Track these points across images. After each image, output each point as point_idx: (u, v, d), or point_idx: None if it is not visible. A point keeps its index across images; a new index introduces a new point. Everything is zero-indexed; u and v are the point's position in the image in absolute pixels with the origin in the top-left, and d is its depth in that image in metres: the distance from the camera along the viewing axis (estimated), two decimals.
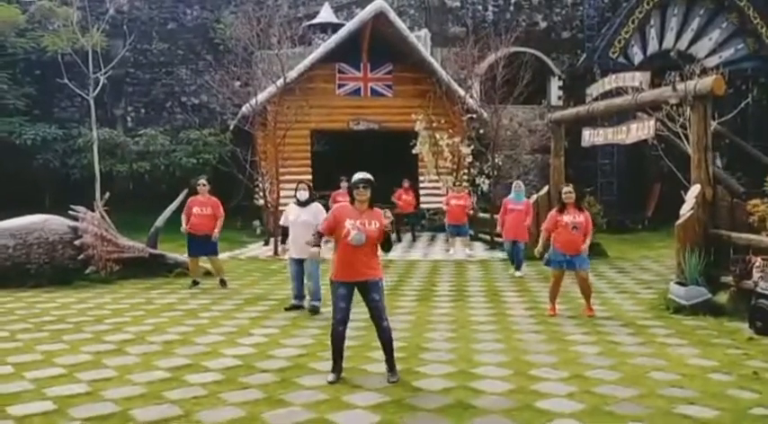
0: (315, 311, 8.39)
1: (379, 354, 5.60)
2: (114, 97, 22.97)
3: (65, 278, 10.86)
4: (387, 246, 5.67)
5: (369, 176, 5.53)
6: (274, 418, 4.74)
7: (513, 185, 12.11)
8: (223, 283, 10.57)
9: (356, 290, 5.60)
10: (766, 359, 6.16)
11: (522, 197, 11.89)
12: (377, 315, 5.56)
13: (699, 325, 7.61)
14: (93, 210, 11.67)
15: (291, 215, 8.52)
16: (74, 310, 8.89)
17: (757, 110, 22.07)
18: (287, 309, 8.64)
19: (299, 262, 8.47)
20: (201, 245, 10.45)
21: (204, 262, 10.96)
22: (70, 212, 11.41)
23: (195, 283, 10.62)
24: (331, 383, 5.49)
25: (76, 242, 10.96)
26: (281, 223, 8.91)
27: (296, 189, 8.71)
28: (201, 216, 10.36)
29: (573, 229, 8.10)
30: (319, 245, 5.88)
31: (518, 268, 11.59)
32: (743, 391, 5.25)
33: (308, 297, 8.64)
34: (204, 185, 10.62)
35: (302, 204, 8.53)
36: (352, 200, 5.53)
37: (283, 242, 9.10)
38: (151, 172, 20.29)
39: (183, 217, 10.47)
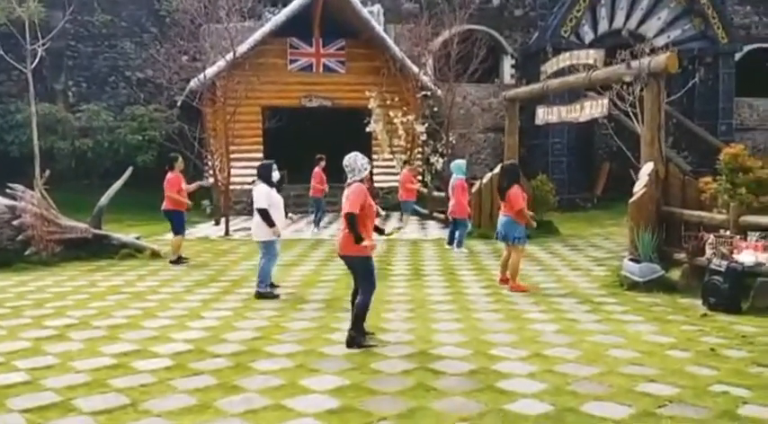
0: (271, 296, 8.07)
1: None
2: (54, 71, 21.96)
3: (3, 259, 10.32)
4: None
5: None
6: (228, 405, 4.53)
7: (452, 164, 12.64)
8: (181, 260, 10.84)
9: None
10: (721, 335, 6.22)
11: (459, 174, 12.19)
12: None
13: (653, 302, 7.68)
14: (32, 189, 11.15)
15: (274, 197, 8.12)
16: (12, 294, 8.44)
17: (703, 90, 22.54)
18: (274, 296, 8.07)
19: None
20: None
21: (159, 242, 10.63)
22: (8, 191, 10.87)
23: (186, 259, 10.85)
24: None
25: (15, 223, 10.43)
26: (263, 206, 7.94)
27: (271, 169, 8.23)
28: (183, 193, 10.74)
29: None
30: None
31: (449, 243, 12.18)
32: (701, 367, 5.27)
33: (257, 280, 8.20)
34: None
35: (274, 185, 8.29)
36: (362, 181, 6.23)
37: (272, 224, 7.98)
38: (94, 150, 19.55)
39: (178, 195, 10.52)
